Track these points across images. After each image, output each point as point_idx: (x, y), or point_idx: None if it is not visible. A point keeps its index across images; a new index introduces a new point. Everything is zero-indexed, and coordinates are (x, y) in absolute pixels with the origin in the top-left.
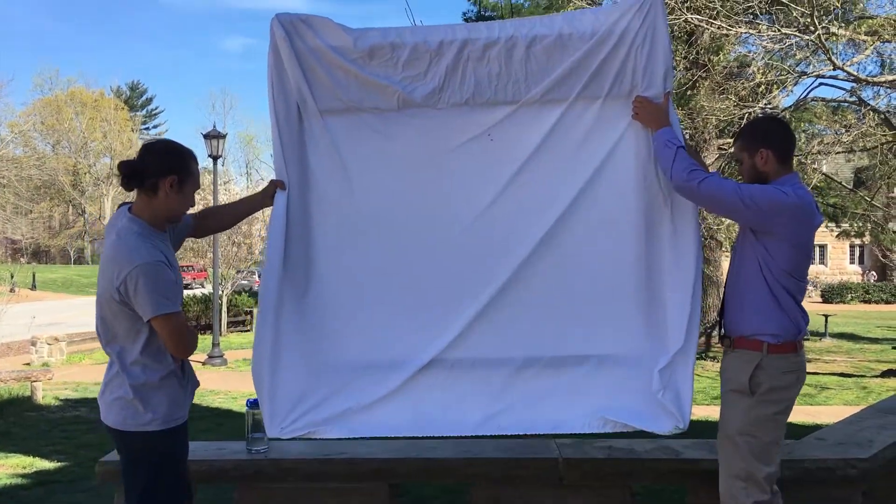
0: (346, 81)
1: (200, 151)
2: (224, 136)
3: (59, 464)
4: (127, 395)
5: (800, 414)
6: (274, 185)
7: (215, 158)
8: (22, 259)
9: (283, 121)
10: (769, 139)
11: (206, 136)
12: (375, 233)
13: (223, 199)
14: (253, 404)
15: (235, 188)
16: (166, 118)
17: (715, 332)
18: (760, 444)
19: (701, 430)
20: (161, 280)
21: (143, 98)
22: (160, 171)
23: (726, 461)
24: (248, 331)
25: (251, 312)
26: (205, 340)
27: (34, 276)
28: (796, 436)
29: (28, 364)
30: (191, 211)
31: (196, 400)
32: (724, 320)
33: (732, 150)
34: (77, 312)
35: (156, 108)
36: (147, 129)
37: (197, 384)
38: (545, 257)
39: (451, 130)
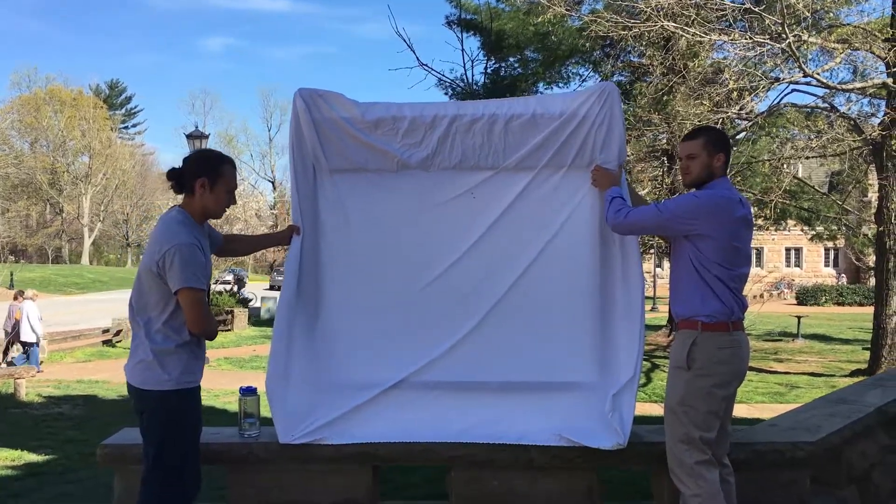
0: (354, 146)
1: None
2: (207, 137)
3: (46, 457)
4: (147, 358)
5: (766, 411)
6: (291, 229)
7: None
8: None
9: (300, 176)
10: (726, 147)
11: (189, 137)
12: (374, 273)
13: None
14: (245, 392)
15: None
16: (146, 117)
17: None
18: (698, 413)
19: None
20: (193, 260)
21: (123, 97)
22: (193, 174)
23: (670, 428)
24: (229, 329)
25: (232, 312)
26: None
27: (12, 275)
28: None
29: (10, 362)
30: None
31: None
32: (670, 308)
33: (688, 144)
34: (56, 311)
35: (135, 108)
36: (126, 127)
37: (206, 360)
38: (515, 297)
39: (440, 189)
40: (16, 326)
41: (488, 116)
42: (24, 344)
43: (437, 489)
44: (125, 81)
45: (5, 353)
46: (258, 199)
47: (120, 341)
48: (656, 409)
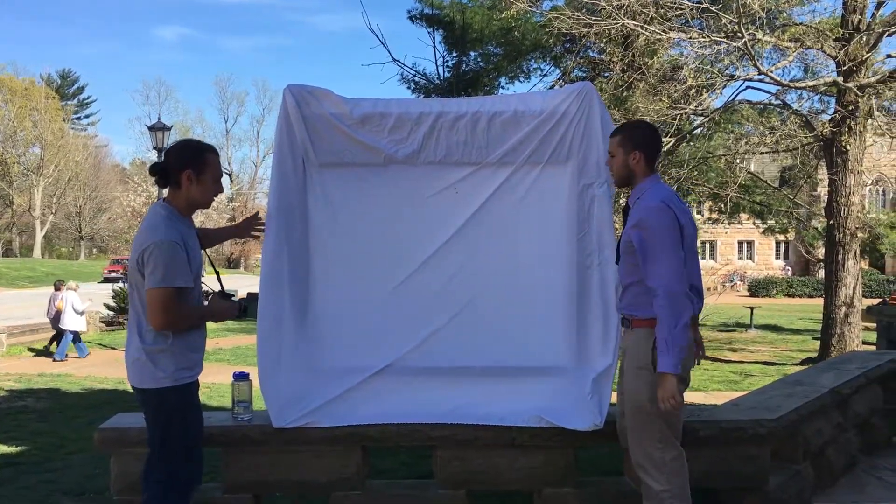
0: (343, 141)
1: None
2: (169, 129)
3: (19, 448)
4: (140, 357)
5: (722, 398)
6: (249, 222)
7: (160, 150)
8: None
9: (290, 170)
10: (644, 144)
11: (151, 129)
12: (362, 263)
13: (165, 192)
14: (238, 377)
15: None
16: (99, 108)
17: None
18: (672, 412)
19: None
20: (171, 257)
21: (75, 87)
22: (178, 167)
23: (641, 427)
24: None
25: None
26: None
27: None
28: None
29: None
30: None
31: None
32: (621, 305)
33: (609, 142)
34: (9, 306)
35: (88, 98)
36: (79, 118)
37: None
38: (495, 286)
39: (425, 183)
40: (58, 316)
41: (472, 114)
42: (65, 332)
43: (421, 469)
44: (77, 71)
45: (56, 342)
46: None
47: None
48: (615, 397)
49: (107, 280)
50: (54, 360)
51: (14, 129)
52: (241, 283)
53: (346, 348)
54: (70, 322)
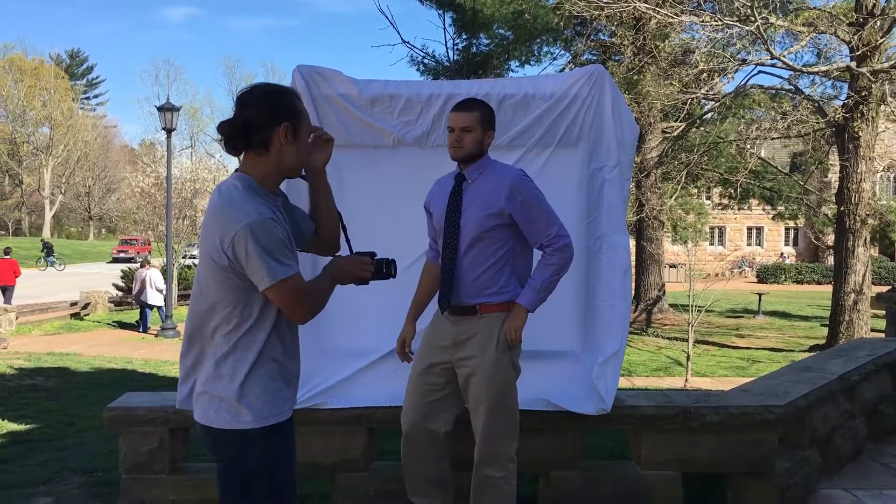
0: (352, 123)
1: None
2: (178, 109)
3: (29, 426)
4: (213, 390)
5: (728, 384)
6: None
7: (169, 131)
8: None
9: None
10: (494, 125)
11: (160, 109)
12: (370, 245)
13: (175, 172)
14: None
15: (186, 161)
16: (108, 87)
17: (656, 308)
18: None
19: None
20: (274, 240)
21: (84, 67)
22: (268, 121)
23: (500, 415)
24: None
25: None
26: (156, 314)
27: None
28: None
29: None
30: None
31: (153, 370)
32: (470, 292)
33: (463, 116)
34: (19, 285)
35: (97, 78)
36: (88, 98)
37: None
38: None
39: (433, 166)
40: (141, 292)
41: (482, 96)
42: (148, 306)
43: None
44: (86, 51)
45: (141, 316)
46: (225, 175)
47: (88, 314)
48: (622, 382)
49: (115, 260)
50: (140, 332)
51: (24, 109)
52: None
53: (354, 330)
54: (152, 297)
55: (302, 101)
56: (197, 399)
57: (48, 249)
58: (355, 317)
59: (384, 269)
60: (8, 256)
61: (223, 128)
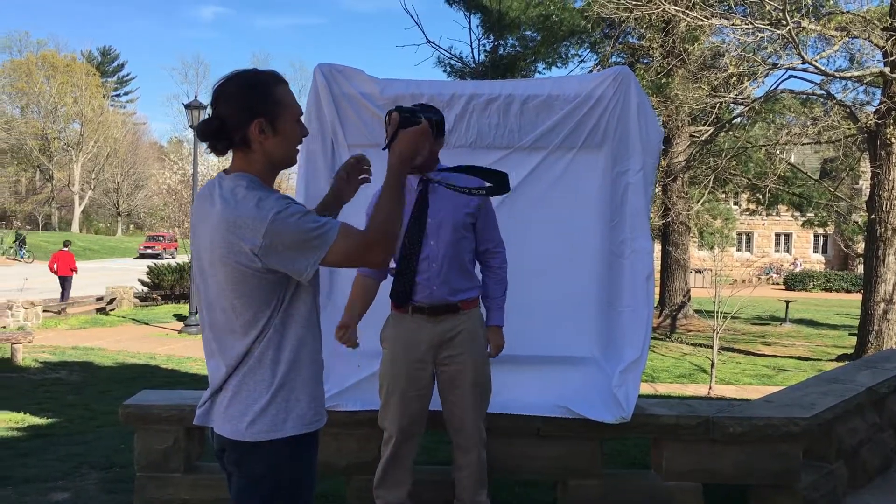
0: (372, 122)
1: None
2: (206, 107)
3: (50, 420)
4: (245, 400)
5: (754, 392)
6: (356, 170)
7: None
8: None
9: (318, 150)
10: (444, 128)
11: (188, 107)
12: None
13: (202, 170)
14: None
15: (213, 159)
16: (138, 85)
17: (681, 314)
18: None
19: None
20: (304, 220)
21: (115, 64)
22: (241, 120)
23: (483, 405)
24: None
25: None
26: (180, 309)
27: (1, 240)
28: None
29: (4, 327)
30: None
31: (175, 366)
32: (449, 289)
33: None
34: (47, 279)
35: (127, 75)
36: (118, 95)
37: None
38: (523, 274)
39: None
40: None
41: (504, 97)
42: None
43: (441, 455)
44: (117, 48)
45: None
46: None
47: (113, 310)
48: (645, 388)
49: (142, 256)
50: None
51: (55, 105)
52: None
53: (371, 333)
54: None
55: (283, 85)
56: (225, 412)
57: (21, 242)
58: (370, 319)
59: (436, 126)
60: (66, 249)
61: (200, 130)
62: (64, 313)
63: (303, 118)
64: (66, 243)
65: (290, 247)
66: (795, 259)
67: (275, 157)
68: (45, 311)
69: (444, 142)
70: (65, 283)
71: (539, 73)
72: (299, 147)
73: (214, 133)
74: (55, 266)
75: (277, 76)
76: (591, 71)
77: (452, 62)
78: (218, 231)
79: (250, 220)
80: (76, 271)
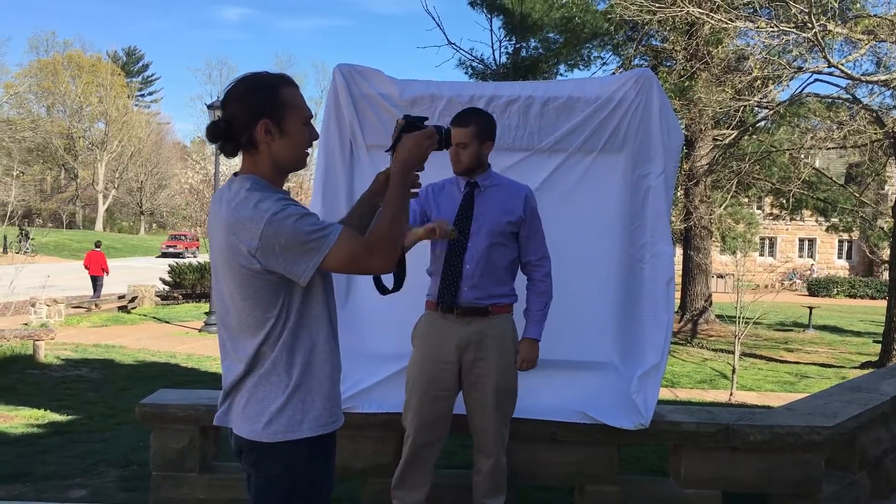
0: (391, 123)
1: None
2: None
3: (70, 417)
4: (262, 401)
5: (776, 399)
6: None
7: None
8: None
9: (336, 151)
10: (494, 133)
11: (210, 107)
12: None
13: (223, 169)
14: None
15: (235, 159)
16: (162, 85)
17: (702, 319)
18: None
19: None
20: (301, 222)
21: (140, 64)
22: (247, 120)
23: (507, 409)
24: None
25: None
26: (201, 308)
27: (31, 238)
28: None
29: (27, 324)
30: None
31: (195, 364)
32: (480, 294)
33: (458, 132)
34: (69, 276)
35: (152, 76)
36: (142, 95)
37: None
38: None
39: None
40: None
41: (524, 98)
42: None
43: (459, 458)
44: (142, 49)
45: None
46: None
47: (135, 308)
48: (665, 394)
49: (164, 255)
50: None
51: (80, 105)
52: None
53: (387, 335)
54: None
55: (291, 87)
56: (243, 412)
57: (24, 235)
58: (387, 321)
59: (443, 137)
60: (98, 249)
61: (212, 131)
62: (96, 308)
63: (321, 118)
64: (98, 244)
65: (286, 249)
66: (812, 265)
67: (281, 159)
68: (75, 307)
69: (493, 145)
70: (96, 282)
71: (561, 75)
72: (308, 150)
73: (222, 134)
74: (88, 265)
75: (286, 78)
76: (613, 73)
77: (474, 64)
78: (223, 232)
79: (248, 221)
80: (108, 272)
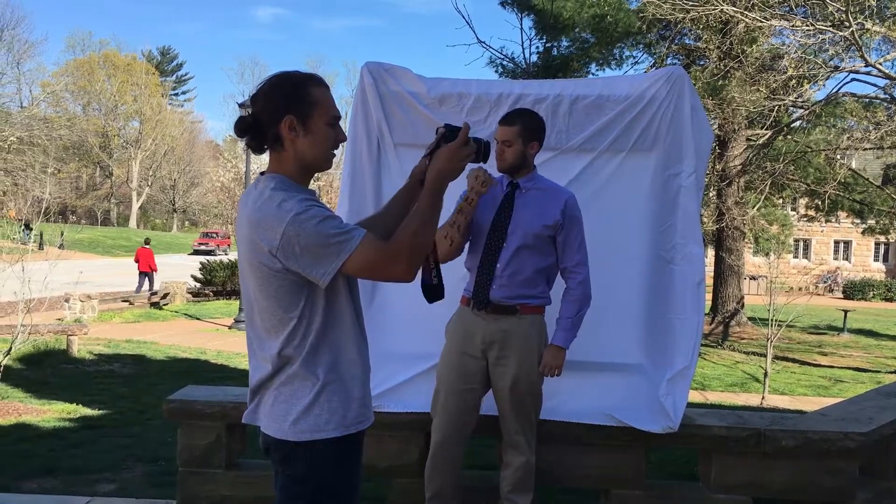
0: (419, 121)
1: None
2: None
3: (101, 411)
4: (289, 399)
5: (809, 403)
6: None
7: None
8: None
9: (364, 148)
10: (542, 135)
11: (241, 106)
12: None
13: (254, 168)
14: None
15: (265, 157)
16: (195, 84)
17: (734, 321)
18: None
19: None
20: (323, 224)
21: (174, 64)
22: (272, 116)
23: (532, 408)
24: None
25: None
26: (231, 306)
27: (62, 234)
28: None
29: (60, 320)
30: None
31: (224, 361)
32: (510, 292)
33: (504, 130)
34: (104, 273)
35: (185, 75)
36: (176, 94)
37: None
38: None
39: None
40: None
41: (553, 97)
42: None
43: (484, 460)
44: (176, 48)
45: None
46: None
47: (167, 304)
48: (695, 396)
49: (196, 252)
50: None
51: (116, 104)
52: None
53: (413, 334)
54: None
55: (319, 87)
56: (270, 411)
57: (26, 227)
58: (413, 320)
59: (482, 150)
60: (147, 246)
61: (239, 126)
62: (147, 302)
63: (349, 116)
64: (147, 241)
65: (306, 250)
66: (836, 269)
67: (306, 158)
68: (123, 300)
69: (539, 147)
70: (142, 278)
71: (592, 74)
72: (335, 151)
73: (248, 129)
74: (138, 261)
75: (316, 78)
76: (645, 72)
77: (504, 62)
78: (247, 231)
79: (271, 220)
80: (155, 270)
